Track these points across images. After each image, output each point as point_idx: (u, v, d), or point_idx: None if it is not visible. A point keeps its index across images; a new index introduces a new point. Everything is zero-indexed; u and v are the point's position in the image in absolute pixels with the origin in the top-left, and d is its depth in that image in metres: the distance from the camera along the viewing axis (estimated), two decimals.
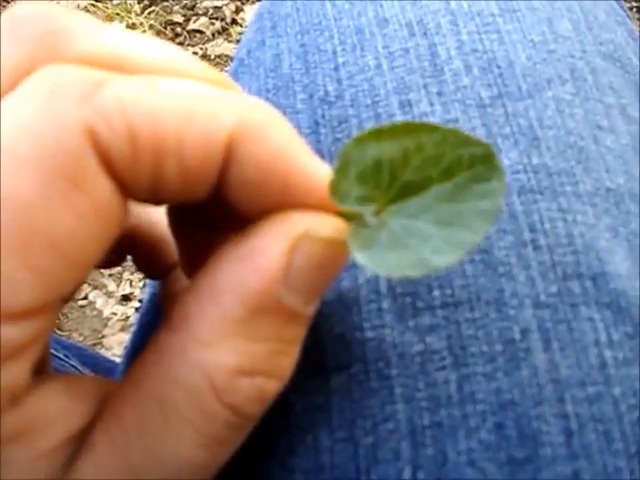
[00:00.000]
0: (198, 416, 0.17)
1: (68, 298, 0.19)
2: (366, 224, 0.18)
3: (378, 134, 0.18)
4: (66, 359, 0.49)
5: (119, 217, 0.17)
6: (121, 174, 0.16)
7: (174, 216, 0.22)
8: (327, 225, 0.18)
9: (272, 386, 0.18)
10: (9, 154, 0.15)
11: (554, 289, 0.22)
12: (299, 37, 0.29)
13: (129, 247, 0.27)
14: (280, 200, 0.18)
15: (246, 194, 0.18)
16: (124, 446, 0.17)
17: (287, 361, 0.18)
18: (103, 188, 0.16)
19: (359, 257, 0.17)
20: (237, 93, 0.18)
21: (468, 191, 0.17)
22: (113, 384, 0.19)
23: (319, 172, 0.18)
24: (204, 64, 0.19)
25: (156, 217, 0.26)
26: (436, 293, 0.22)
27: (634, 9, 1.45)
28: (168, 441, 0.17)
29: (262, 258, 0.17)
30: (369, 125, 0.25)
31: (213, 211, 0.20)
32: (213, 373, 0.17)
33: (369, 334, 0.22)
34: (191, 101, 0.16)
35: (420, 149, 0.17)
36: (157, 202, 0.18)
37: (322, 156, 0.25)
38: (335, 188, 0.18)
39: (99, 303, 1.20)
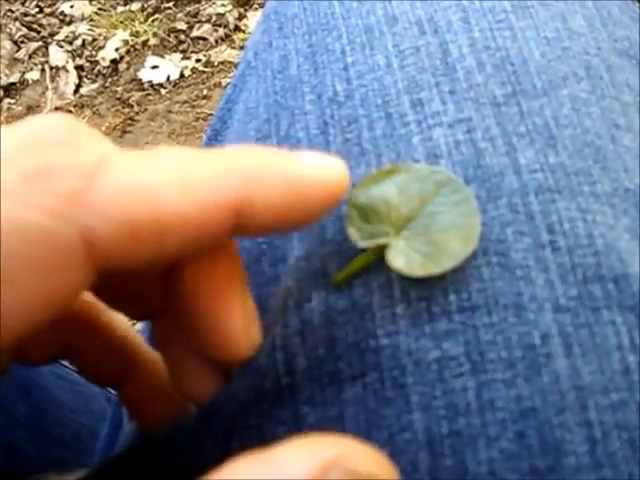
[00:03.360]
0: None
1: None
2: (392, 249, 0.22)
3: (368, 181, 0.23)
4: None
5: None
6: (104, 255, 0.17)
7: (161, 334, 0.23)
8: (365, 456, 0.15)
9: None
10: None
11: (574, 292, 0.21)
12: (307, 37, 0.29)
13: (66, 340, 0.24)
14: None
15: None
16: None
17: None
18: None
19: (401, 267, 0.21)
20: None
21: (446, 203, 0.22)
22: None
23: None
24: None
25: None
26: (452, 297, 0.21)
27: None
28: None
29: (286, 473, 0.14)
30: (380, 125, 0.25)
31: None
32: None
33: (383, 341, 0.21)
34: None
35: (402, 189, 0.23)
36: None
37: None
38: (353, 234, 0.22)
39: None
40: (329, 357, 0.21)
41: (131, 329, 0.25)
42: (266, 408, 0.22)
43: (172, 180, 0.17)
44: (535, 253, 0.21)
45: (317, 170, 0.19)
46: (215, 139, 0.34)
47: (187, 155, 0.18)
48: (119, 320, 0.24)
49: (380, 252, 0.22)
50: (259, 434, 0.21)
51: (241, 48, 1.52)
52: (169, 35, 1.62)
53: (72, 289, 0.17)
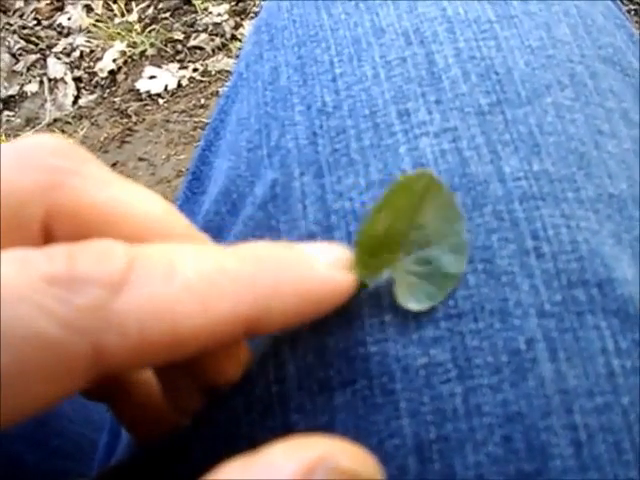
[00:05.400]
0: None
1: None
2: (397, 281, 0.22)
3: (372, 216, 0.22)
4: None
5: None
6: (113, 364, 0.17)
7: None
8: (349, 454, 0.15)
9: None
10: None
11: (559, 297, 0.21)
12: (296, 49, 0.29)
13: None
14: None
15: None
16: None
17: None
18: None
19: (412, 306, 0.21)
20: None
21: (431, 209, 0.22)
22: None
23: None
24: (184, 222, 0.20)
25: None
26: (439, 305, 0.22)
27: (632, 12, 1.45)
28: None
29: (272, 474, 0.15)
30: (368, 135, 0.25)
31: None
32: None
33: (372, 349, 0.21)
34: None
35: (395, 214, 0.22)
36: None
37: (320, 167, 0.25)
38: (361, 271, 0.21)
39: None
40: (319, 364, 0.22)
41: None
42: (256, 417, 0.22)
43: (192, 298, 0.17)
44: (520, 259, 0.22)
45: (328, 271, 0.20)
46: (209, 150, 0.34)
47: (207, 263, 0.18)
48: None
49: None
50: (250, 444, 0.22)
51: (238, 57, 1.53)
52: (166, 45, 1.63)
53: (72, 391, 0.17)
